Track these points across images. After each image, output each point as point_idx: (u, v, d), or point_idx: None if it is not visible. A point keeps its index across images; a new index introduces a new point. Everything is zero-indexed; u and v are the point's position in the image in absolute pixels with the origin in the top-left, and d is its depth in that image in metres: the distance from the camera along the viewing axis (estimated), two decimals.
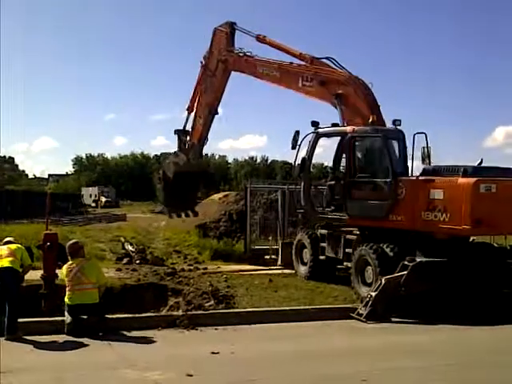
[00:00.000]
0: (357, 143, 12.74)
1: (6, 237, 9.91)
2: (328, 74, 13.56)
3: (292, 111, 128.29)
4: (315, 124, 13.29)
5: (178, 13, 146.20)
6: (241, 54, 15.99)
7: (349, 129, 12.61)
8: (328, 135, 13.98)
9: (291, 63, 14.65)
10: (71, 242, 9.78)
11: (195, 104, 17.78)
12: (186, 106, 18.18)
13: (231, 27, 16.46)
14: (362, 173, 12.61)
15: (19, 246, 9.21)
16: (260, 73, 15.26)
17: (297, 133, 13.27)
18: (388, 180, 11.68)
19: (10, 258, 8.71)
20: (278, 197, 19.01)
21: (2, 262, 8.63)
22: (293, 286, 12.66)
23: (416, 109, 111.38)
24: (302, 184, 13.73)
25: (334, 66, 13.65)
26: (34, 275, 9.65)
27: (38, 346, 8.04)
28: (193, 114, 17.95)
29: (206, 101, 17.30)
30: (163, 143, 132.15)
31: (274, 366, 7.45)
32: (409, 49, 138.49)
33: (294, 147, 13.34)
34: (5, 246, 9.06)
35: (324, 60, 13.88)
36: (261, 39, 15.50)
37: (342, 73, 13.37)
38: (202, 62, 17.32)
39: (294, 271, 14.67)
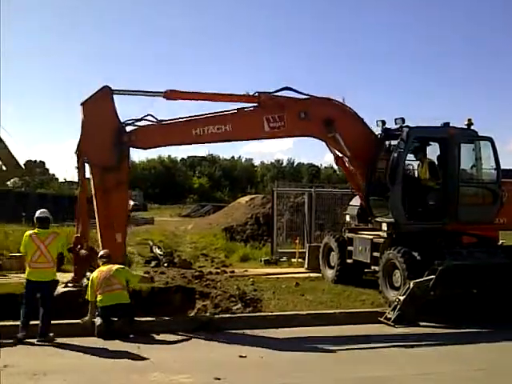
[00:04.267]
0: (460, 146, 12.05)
1: None
2: (311, 106, 11.41)
3: None
4: (384, 123, 12.43)
5: None
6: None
7: (450, 131, 12.00)
8: (423, 138, 12.35)
9: (238, 109, 11.17)
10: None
11: None
12: None
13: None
14: (466, 177, 12.25)
15: None
16: (196, 135, 10.85)
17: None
18: (496, 183, 11.94)
19: None
20: (305, 200, 19.01)
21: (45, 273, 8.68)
22: (320, 290, 12.63)
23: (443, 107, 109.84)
24: (393, 191, 11.71)
25: (297, 95, 11.44)
26: (65, 278, 9.84)
27: (69, 348, 8.14)
28: None
29: None
30: (189, 146, 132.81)
31: (303, 369, 7.46)
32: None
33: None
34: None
35: (282, 93, 11.30)
36: (170, 96, 10.67)
37: (318, 99, 11.63)
38: None
39: (320, 275, 14.64)
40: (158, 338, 8.82)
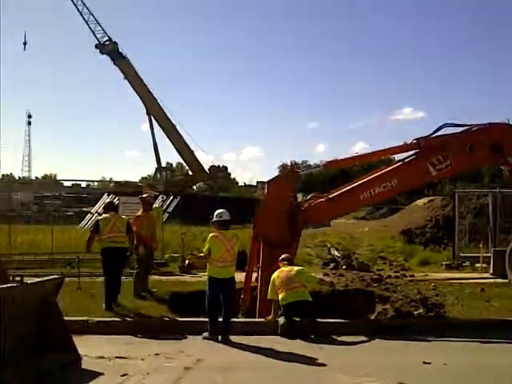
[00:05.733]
0: None
1: None
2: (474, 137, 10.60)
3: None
4: None
5: None
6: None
7: None
8: None
9: (400, 163, 10.79)
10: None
11: None
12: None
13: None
14: None
15: None
16: (364, 199, 10.79)
17: None
18: None
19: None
20: (489, 201, 18.07)
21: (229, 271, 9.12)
22: (507, 297, 11.92)
23: None
24: None
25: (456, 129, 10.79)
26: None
27: (252, 346, 8.40)
28: None
29: None
30: (363, 147, 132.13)
31: (492, 380, 7.11)
32: None
33: None
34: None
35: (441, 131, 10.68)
36: (329, 166, 11.60)
37: (480, 127, 10.73)
38: None
39: (507, 281, 13.82)
40: (339, 339, 8.90)
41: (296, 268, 9.71)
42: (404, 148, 10.96)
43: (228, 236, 9.08)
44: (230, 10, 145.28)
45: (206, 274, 9.16)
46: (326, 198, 10.72)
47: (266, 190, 10.84)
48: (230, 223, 9.31)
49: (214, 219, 9.20)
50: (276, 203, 10.53)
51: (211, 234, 9.10)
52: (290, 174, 11.04)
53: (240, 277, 10.16)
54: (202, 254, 9.32)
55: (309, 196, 11.07)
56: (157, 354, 7.67)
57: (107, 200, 12.18)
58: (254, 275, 10.63)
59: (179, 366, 7.13)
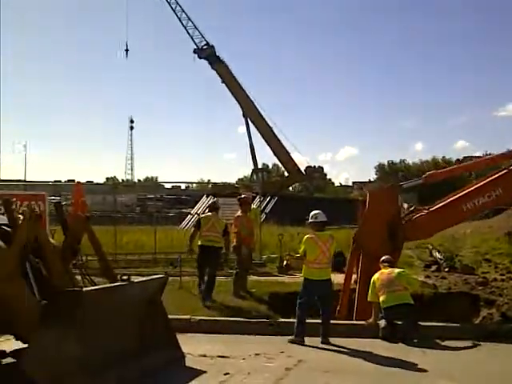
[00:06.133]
0: None
1: None
2: None
3: None
4: None
5: None
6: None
7: None
8: None
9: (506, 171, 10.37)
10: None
11: None
12: None
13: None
14: None
15: None
16: (467, 210, 10.56)
17: None
18: None
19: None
20: None
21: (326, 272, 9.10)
22: None
23: None
24: None
25: None
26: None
27: (353, 349, 8.33)
28: None
29: None
30: (464, 146, 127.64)
31: None
32: None
33: None
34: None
35: None
36: (429, 179, 11.10)
37: None
38: None
39: None
40: (442, 343, 8.66)
41: (397, 270, 9.53)
42: (508, 156, 10.53)
43: (323, 238, 9.05)
44: (328, 12, 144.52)
45: (301, 275, 9.18)
46: (427, 211, 10.46)
47: (368, 201, 10.71)
48: (325, 224, 9.27)
49: (310, 220, 9.18)
50: (378, 217, 10.45)
51: (306, 236, 9.10)
52: (393, 187, 10.85)
53: (337, 278, 10.13)
54: (297, 255, 9.35)
55: (410, 209, 10.83)
56: (257, 354, 7.77)
57: (211, 200, 12.67)
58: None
59: (280, 367, 7.19)
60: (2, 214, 7.56)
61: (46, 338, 5.64)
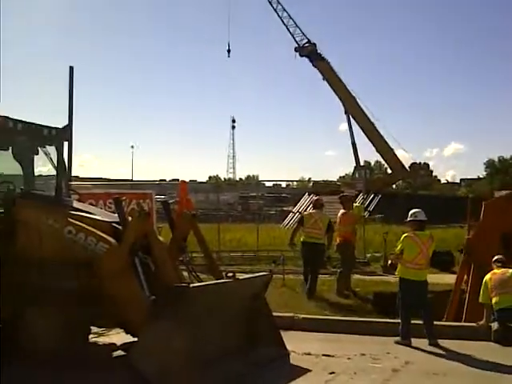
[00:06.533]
0: None
1: None
2: None
3: None
4: None
5: None
6: None
7: None
8: None
9: None
10: None
11: None
12: None
13: None
14: None
15: None
16: None
17: None
18: None
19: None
20: None
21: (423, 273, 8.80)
22: None
23: None
24: None
25: None
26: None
27: (462, 351, 7.98)
28: None
29: None
30: None
31: None
32: None
33: None
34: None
35: None
36: None
37: None
38: None
39: None
40: None
41: (511, 270, 9.03)
42: None
43: (423, 238, 8.74)
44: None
45: (397, 274, 8.94)
46: None
47: (482, 213, 10.23)
48: (425, 224, 8.93)
49: (409, 219, 8.87)
50: (492, 229, 9.98)
51: (405, 234, 8.81)
52: (509, 197, 10.15)
53: (444, 278, 9.81)
54: (393, 254, 9.11)
55: None
56: (363, 354, 7.61)
57: (315, 197, 12.82)
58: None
59: (387, 368, 7.01)
60: (113, 212, 7.89)
61: (154, 332, 5.80)
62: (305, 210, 14.88)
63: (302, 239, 11.78)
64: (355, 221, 13.07)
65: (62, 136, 8.32)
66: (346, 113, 55.72)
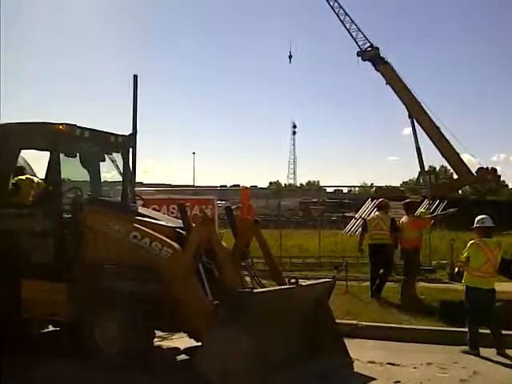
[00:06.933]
0: None
1: None
2: None
3: None
4: None
5: None
6: None
7: None
8: None
9: None
10: None
11: None
12: None
13: None
14: None
15: None
16: None
17: None
18: None
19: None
20: None
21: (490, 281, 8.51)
22: None
23: None
24: None
25: None
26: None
27: None
28: None
29: None
30: None
31: None
32: None
33: None
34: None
35: None
36: None
37: None
38: None
39: None
40: None
41: None
42: None
43: (491, 245, 8.45)
44: None
45: (463, 282, 8.66)
46: None
47: None
48: (492, 230, 8.65)
49: (476, 225, 8.60)
50: None
51: (471, 241, 8.56)
52: None
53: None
54: (460, 262, 8.86)
55: None
56: (429, 363, 7.43)
57: (380, 199, 12.74)
58: None
59: (454, 378, 6.82)
60: (176, 218, 8.00)
61: (218, 336, 5.83)
62: (368, 215, 14.68)
63: (367, 242, 11.97)
64: (423, 226, 12.82)
65: (128, 143, 8.52)
66: (409, 117, 54.68)
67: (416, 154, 56.68)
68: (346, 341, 7.41)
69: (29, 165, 9.07)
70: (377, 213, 12.31)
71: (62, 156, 7.74)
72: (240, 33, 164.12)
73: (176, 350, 7.85)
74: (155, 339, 7.27)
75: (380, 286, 11.53)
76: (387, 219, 11.86)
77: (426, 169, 59.69)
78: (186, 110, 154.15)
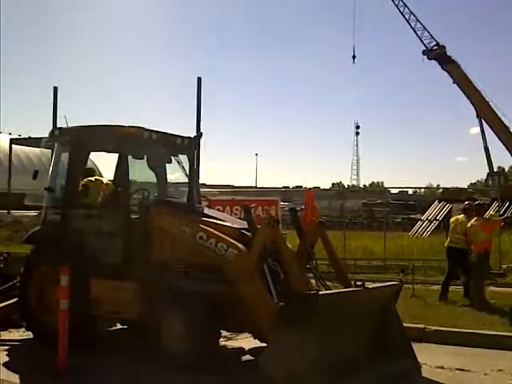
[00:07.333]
0: None
1: None
2: None
3: None
4: None
5: None
6: None
7: None
8: None
9: None
10: None
11: None
12: None
13: None
14: None
15: None
16: None
17: None
18: None
19: None
20: None
21: None
22: None
23: None
24: None
25: None
26: None
27: None
28: None
29: None
30: None
31: None
32: None
33: None
34: None
35: None
36: None
37: None
38: None
39: None
40: None
41: None
42: None
43: None
44: None
45: None
46: None
47: None
48: None
49: None
50: None
51: None
52: None
53: None
54: None
55: None
56: (500, 370, 7.17)
57: (466, 202, 12.50)
58: None
59: None
60: (240, 219, 8.03)
61: (283, 338, 5.80)
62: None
63: (446, 244, 12.12)
64: (493, 229, 12.47)
65: (194, 145, 8.62)
66: (477, 116, 53.15)
67: (484, 154, 55.14)
68: (414, 345, 7.24)
69: (96, 166, 9.31)
70: (460, 215, 12.23)
71: (129, 158, 7.91)
72: (303, 36, 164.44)
73: (241, 350, 7.88)
74: (220, 339, 7.32)
75: (468, 290, 11.42)
76: (463, 223, 11.72)
77: (495, 170, 57.88)
78: (248, 112, 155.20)
